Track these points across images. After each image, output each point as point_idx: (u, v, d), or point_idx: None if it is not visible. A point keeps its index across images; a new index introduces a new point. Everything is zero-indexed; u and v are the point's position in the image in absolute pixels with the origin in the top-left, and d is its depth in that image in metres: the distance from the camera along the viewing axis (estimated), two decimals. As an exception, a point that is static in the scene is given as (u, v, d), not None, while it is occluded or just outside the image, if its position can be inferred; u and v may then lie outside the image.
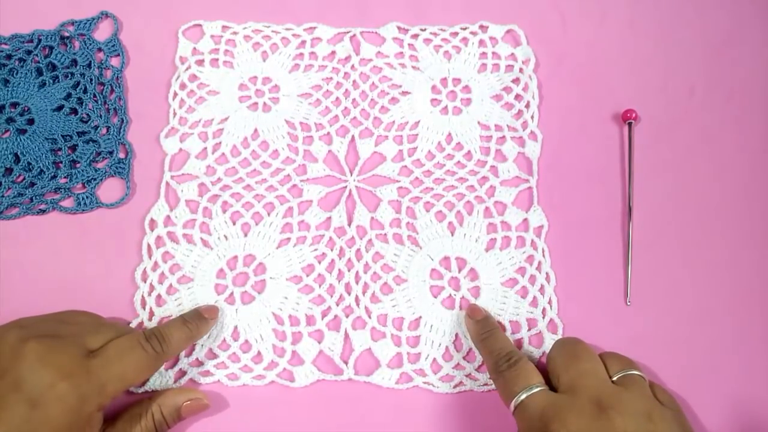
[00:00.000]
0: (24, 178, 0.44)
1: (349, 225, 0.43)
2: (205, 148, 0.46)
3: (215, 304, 0.40)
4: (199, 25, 0.50)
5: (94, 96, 0.47)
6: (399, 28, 0.50)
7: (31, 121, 0.46)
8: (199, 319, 0.39)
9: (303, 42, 0.49)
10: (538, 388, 0.33)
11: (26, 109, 0.46)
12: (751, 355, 0.40)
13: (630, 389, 0.33)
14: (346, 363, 0.39)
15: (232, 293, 0.41)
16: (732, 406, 0.39)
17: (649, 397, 0.33)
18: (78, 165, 0.45)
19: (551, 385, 0.34)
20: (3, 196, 0.44)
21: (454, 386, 0.39)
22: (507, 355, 0.36)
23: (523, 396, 0.33)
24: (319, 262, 0.42)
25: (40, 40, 0.48)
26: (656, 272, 0.42)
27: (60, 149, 0.45)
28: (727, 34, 0.50)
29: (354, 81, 0.48)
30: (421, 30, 0.50)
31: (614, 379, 0.34)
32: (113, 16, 0.50)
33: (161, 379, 0.38)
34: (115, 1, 0.50)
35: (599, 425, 0.30)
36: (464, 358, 0.40)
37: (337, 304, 0.41)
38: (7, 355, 0.32)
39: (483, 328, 0.38)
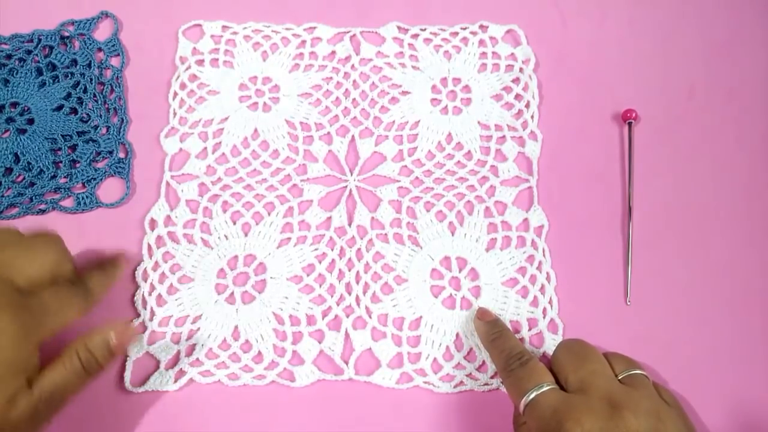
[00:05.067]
0: (24, 178, 0.44)
1: (350, 225, 0.43)
2: (205, 148, 0.46)
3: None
4: (199, 25, 0.50)
5: (94, 96, 0.47)
6: (399, 28, 0.50)
7: (31, 121, 0.46)
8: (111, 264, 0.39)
9: (303, 42, 0.49)
10: (549, 387, 0.33)
11: (26, 108, 0.46)
12: (751, 355, 0.40)
13: (638, 389, 0.33)
14: (346, 363, 0.39)
15: (232, 293, 0.41)
16: (732, 406, 0.39)
17: (656, 397, 0.33)
18: (78, 165, 0.45)
19: (558, 386, 0.34)
20: (3, 196, 0.44)
21: (455, 386, 0.39)
22: (518, 354, 0.36)
23: (534, 394, 0.33)
24: (320, 262, 0.42)
25: (40, 40, 0.48)
26: (656, 272, 0.42)
27: (60, 149, 0.45)
28: (727, 34, 0.50)
29: (354, 81, 0.48)
30: (421, 30, 0.50)
31: (620, 378, 0.34)
32: (113, 16, 0.50)
33: (161, 378, 0.39)
34: (115, 1, 0.50)
35: (613, 425, 0.30)
36: (465, 357, 0.40)
37: (338, 304, 0.41)
38: None
39: (493, 329, 0.38)
